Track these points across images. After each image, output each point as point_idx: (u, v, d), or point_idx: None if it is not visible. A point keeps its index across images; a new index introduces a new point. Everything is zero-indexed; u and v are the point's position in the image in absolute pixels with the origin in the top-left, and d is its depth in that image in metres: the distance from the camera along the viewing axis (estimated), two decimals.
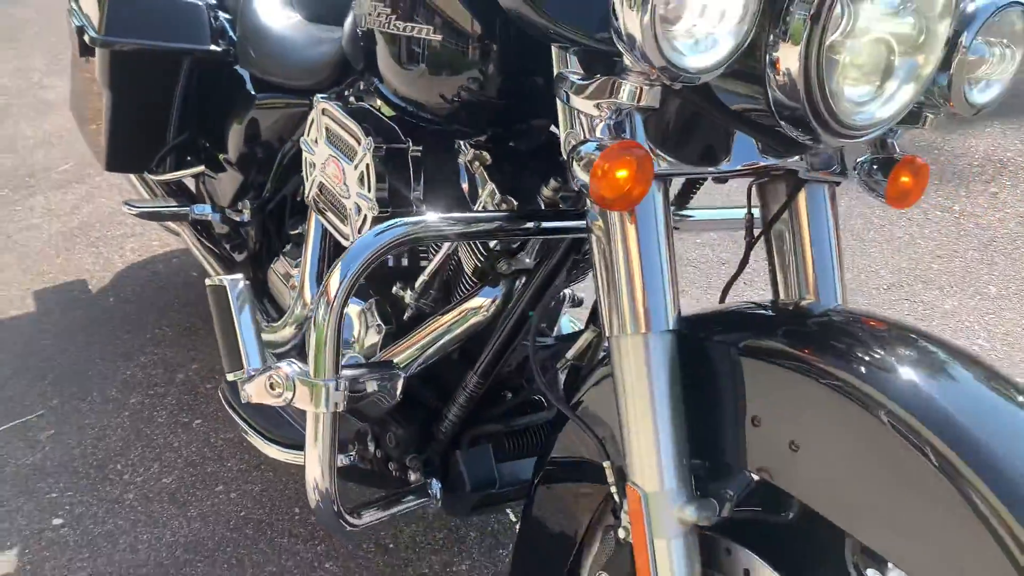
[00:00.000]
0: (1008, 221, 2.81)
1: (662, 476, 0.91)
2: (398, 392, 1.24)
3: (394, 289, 1.43)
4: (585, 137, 0.89)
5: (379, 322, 1.42)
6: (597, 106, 0.87)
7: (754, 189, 1.11)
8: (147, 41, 1.86)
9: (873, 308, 2.36)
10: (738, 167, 0.98)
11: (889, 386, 0.81)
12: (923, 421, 0.77)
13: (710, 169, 0.98)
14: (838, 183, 1.09)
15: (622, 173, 0.83)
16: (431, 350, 1.32)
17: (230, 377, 1.00)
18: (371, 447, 1.43)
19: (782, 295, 1.10)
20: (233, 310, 1.02)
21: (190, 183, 2.17)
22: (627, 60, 0.80)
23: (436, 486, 1.35)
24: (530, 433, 1.44)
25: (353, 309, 1.45)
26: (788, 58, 0.82)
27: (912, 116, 1.05)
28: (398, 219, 1.03)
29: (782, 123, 0.88)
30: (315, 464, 1.05)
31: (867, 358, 0.85)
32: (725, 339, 0.95)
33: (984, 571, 0.72)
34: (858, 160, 1.13)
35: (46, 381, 2.15)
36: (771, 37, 0.83)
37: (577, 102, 0.89)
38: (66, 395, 2.10)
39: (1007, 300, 2.41)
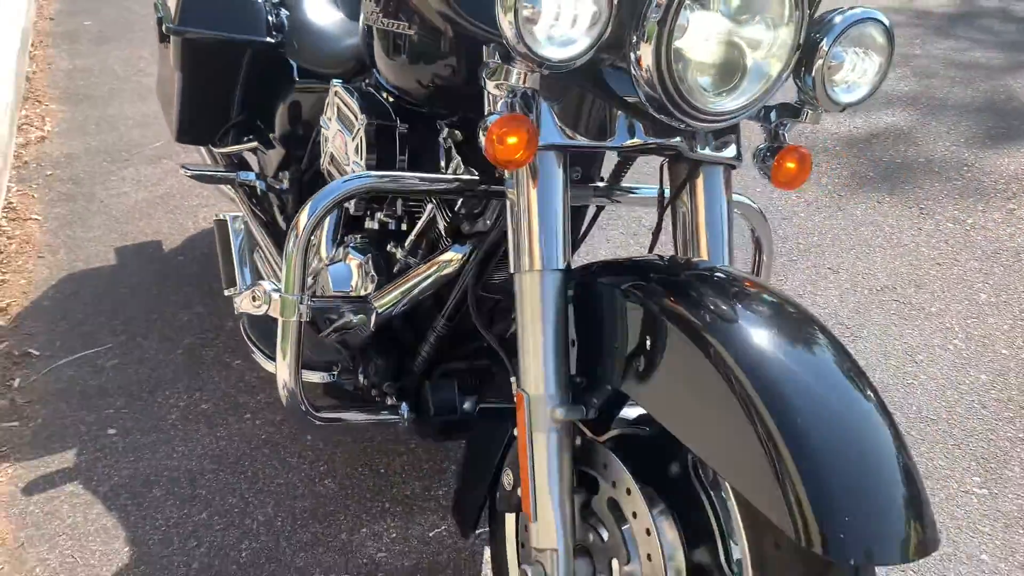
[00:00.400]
0: (1018, 236, 2.90)
1: (543, 383, 1.15)
2: (371, 325, 1.52)
3: (388, 247, 1.70)
4: (490, 111, 1.15)
5: (373, 273, 1.69)
6: (498, 87, 1.11)
7: (665, 169, 1.35)
8: (214, 32, 2.18)
9: (854, 305, 2.51)
10: (626, 143, 1.21)
11: (721, 329, 1.01)
12: (735, 357, 0.97)
13: (603, 144, 1.21)
14: (733, 167, 1.32)
15: (512, 140, 1.08)
16: (408, 296, 1.58)
17: (226, 293, 1.28)
18: (359, 376, 1.71)
19: (679, 255, 1.33)
20: (231, 240, 1.30)
21: (250, 157, 2.49)
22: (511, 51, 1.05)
23: (405, 409, 1.62)
24: (490, 373, 1.69)
25: (353, 262, 1.73)
26: (646, 56, 1.06)
27: (793, 110, 1.29)
28: (364, 172, 1.30)
29: (650, 109, 1.12)
30: (284, 367, 1.32)
31: (714, 306, 1.06)
32: (612, 282, 1.18)
33: (756, 470, 0.92)
34: (757, 147, 1.35)
35: (117, 321, 2.50)
36: (633, 38, 1.06)
37: (488, 85, 1.14)
38: (132, 333, 2.44)
39: (994, 308, 2.53)
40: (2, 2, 4.64)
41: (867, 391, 0.98)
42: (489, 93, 1.16)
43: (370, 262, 1.71)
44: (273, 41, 2.19)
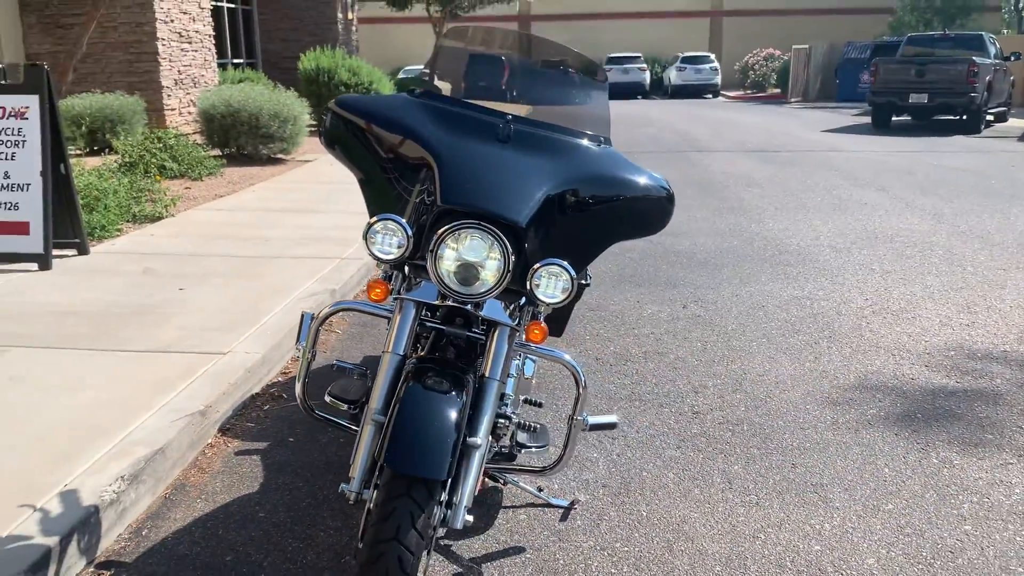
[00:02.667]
0: None
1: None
2: None
3: None
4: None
5: None
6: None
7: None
8: None
9: None
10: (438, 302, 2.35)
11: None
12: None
13: (434, 302, 2.35)
14: (516, 329, 2.40)
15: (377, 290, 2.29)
16: None
17: None
18: None
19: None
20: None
21: None
22: None
23: None
24: None
25: None
26: (429, 263, 2.07)
27: (529, 300, 2.38)
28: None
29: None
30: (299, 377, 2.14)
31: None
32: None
33: None
34: (522, 314, 2.50)
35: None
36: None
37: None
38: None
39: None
40: None
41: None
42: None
43: None
44: None
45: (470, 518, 2.27)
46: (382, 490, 2.06)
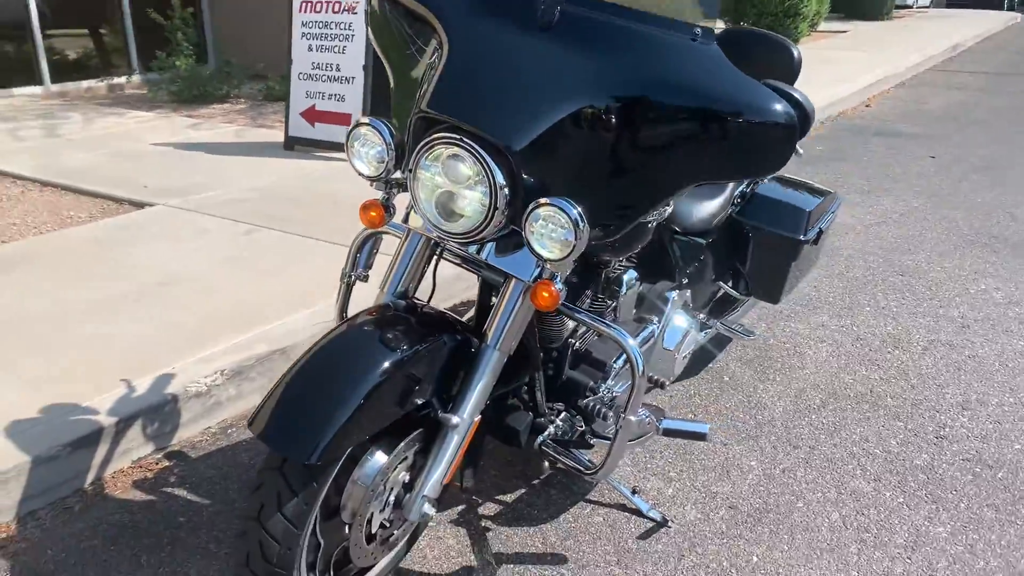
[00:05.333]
0: None
1: None
2: None
3: None
4: None
5: None
6: None
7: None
8: None
9: None
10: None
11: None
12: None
13: (429, 233, 1.89)
14: (523, 281, 1.79)
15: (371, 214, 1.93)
16: None
17: None
18: None
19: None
20: None
21: None
22: None
23: None
24: None
25: None
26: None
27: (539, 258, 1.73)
28: None
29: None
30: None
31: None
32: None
33: None
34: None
35: None
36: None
37: None
38: None
39: None
40: None
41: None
42: None
43: None
44: None
45: (431, 511, 1.81)
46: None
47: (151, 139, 6.28)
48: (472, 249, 1.84)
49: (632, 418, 1.96)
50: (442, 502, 2.32)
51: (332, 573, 1.90)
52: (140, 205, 4.69)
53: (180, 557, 2.16)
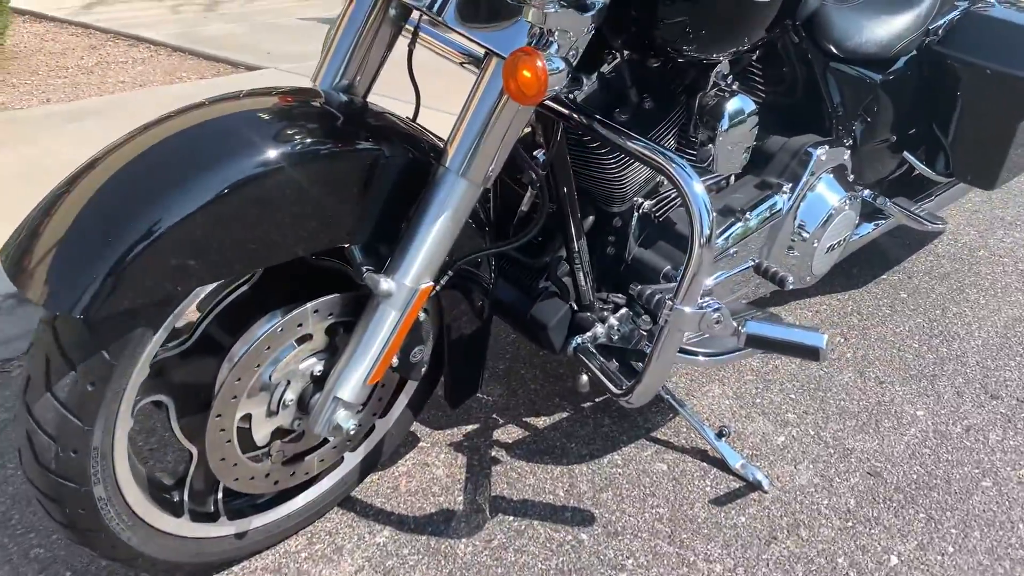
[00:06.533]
0: None
1: None
2: None
3: None
4: None
5: None
6: None
7: None
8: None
9: None
10: None
11: None
12: None
13: None
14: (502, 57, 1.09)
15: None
16: None
17: None
18: None
19: None
20: None
21: None
22: None
23: None
24: None
25: None
26: None
27: None
28: None
29: None
30: None
31: None
32: None
33: None
34: None
35: None
36: None
37: None
38: None
39: None
40: None
41: None
42: None
43: None
44: None
45: (348, 423, 1.19)
46: None
47: (301, 14, 5.96)
48: (449, 15, 1.13)
49: (686, 309, 1.20)
50: (454, 409, 1.68)
51: (221, 497, 1.30)
52: (254, 68, 4.31)
53: None
